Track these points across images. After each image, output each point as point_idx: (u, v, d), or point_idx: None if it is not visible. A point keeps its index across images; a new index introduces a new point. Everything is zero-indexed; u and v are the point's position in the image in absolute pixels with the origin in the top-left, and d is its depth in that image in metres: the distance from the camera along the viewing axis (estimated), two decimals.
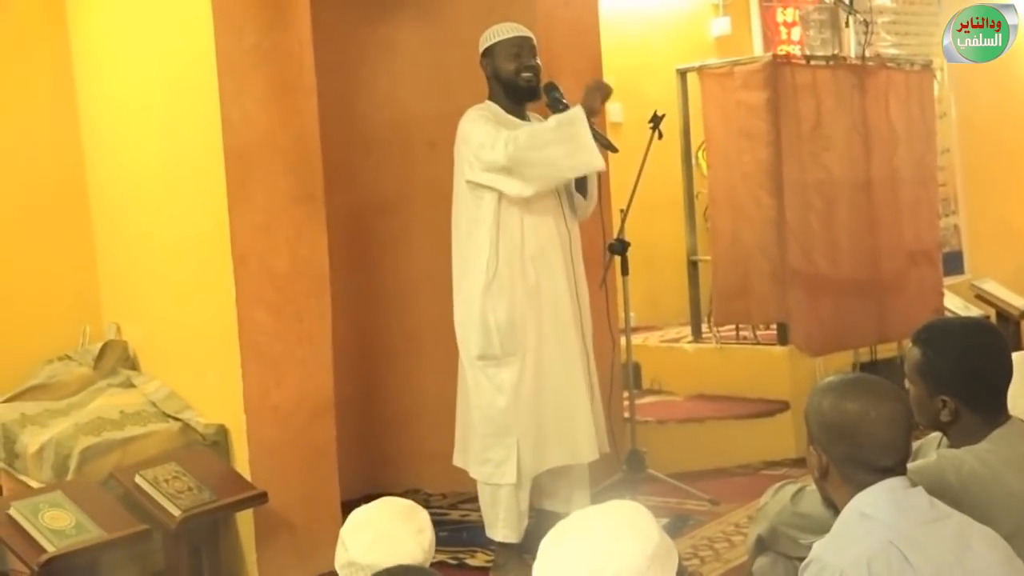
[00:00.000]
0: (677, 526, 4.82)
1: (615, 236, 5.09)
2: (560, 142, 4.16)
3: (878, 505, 2.16)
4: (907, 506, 2.16)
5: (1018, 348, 2.84)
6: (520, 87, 4.36)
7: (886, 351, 6.53)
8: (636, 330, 5.85)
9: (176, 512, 3.91)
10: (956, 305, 7.44)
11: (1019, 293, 8.25)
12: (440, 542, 4.73)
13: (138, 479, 3.98)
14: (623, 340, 5.30)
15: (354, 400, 5.19)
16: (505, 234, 4.26)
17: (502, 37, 4.39)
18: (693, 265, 6.67)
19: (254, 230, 4.28)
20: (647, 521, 1.76)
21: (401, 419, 5.52)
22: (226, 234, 4.22)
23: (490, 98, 4.43)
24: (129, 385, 4.64)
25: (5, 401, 4.54)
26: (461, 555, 4.61)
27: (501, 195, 4.23)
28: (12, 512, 3.70)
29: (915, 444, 2.67)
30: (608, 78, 5.43)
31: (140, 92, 4.63)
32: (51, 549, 3.60)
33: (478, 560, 4.55)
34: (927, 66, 6.85)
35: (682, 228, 6.69)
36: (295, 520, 4.34)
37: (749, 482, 5.43)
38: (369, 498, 2.69)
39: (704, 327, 6.63)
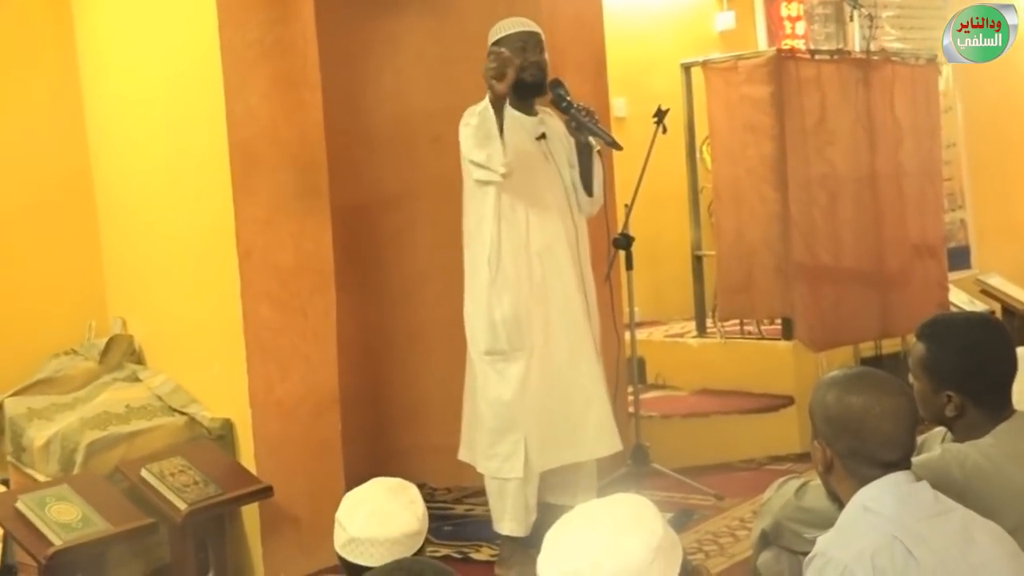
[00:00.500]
0: (682, 521, 4.82)
1: (619, 231, 5.08)
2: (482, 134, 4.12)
3: (882, 499, 2.17)
4: (911, 500, 2.17)
5: (1023, 343, 2.84)
6: (524, 81, 4.36)
7: (890, 346, 6.53)
8: (640, 325, 5.85)
9: (182, 506, 3.92)
10: (961, 300, 7.43)
11: None
12: (445, 536, 4.80)
13: (144, 473, 3.99)
14: (627, 335, 5.31)
15: (359, 394, 5.19)
16: (510, 229, 4.26)
17: (508, 32, 4.38)
18: (697, 260, 6.67)
19: (258, 224, 4.29)
20: (651, 514, 1.76)
21: (406, 413, 5.53)
22: (231, 228, 4.23)
23: None
24: (135, 379, 4.65)
25: (12, 395, 4.56)
26: (466, 549, 4.62)
27: (500, 191, 4.23)
28: (19, 505, 3.72)
29: (919, 439, 2.68)
30: (612, 72, 5.47)
31: (144, 87, 4.64)
32: (58, 542, 3.62)
33: (483, 554, 4.56)
34: (932, 60, 6.84)
35: (686, 223, 6.69)
36: (300, 514, 4.35)
37: (753, 477, 5.43)
38: None
39: (708, 322, 6.63)
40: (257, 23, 4.27)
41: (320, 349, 4.44)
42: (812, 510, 2.75)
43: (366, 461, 5.20)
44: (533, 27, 4.41)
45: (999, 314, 7.74)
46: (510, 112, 4.37)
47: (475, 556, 4.57)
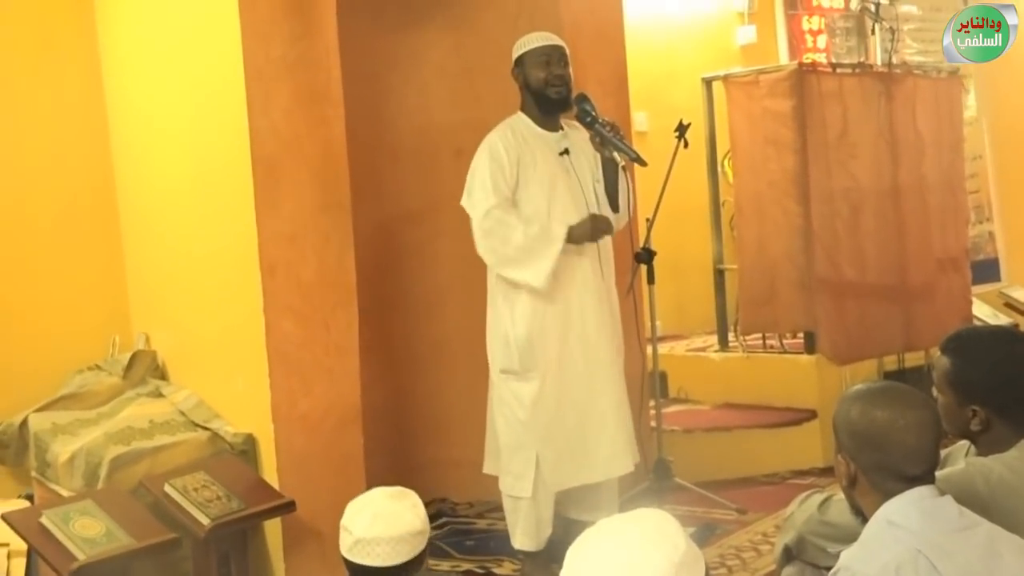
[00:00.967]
0: (704, 535, 4.81)
1: (641, 245, 5.08)
2: (525, 250, 4.23)
3: (906, 513, 2.16)
4: (935, 514, 2.16)
5: None
6: (549, 98, 4.37)
7: (914, 360, 6.50)
8: (662, 339, 5.84)
9: (205, 520, 3.93)
10: (984, 313, 7.39)
11: None
12: (467, 551, 4.80)
13: (167, 488, 4.00)
14: (649, 349, 5.30)
15: (382, 409, 5.19)
16: None
17: (533, 46, 4.39)
18: (719, 274, 6.66)
19: (281, 239, 4.30)
20: (674, 529, 1.75)
21: (428, 428, 5.53)
22: (254, 243, 4.24)
23: (522, 108, 4.45)
24: (158, 395, 4.67)
25: (36, 411, 4.58)
26: (488, 564, 4.61)
27: (521, 206, 4.28)
28: (43, 520, 3.73)
29: (943, 452, 2.66)
30: (633, 86, 5.48)
31: (168, 103, 4.67)
32: (82, 557, 3.63)
33: (505, 569, 4.55)
34: (954, 73, 6.83)
35: (708, 236, 6.68)
36: (323, 528, 4.34)
37: (776, 491, 5.41)
38: None
39: (731, 336, 6.61)
40: (280, 39, 4.29)
41: (343, 363, 4.45)
42: (835, 524, 2.73)
43: (388, 475, 5.18)
44: (558, 41, 4.42)
45: (1023, 327, 7.70)
46: (533, 129, 4.39)
47: (497, 571, 4.56)
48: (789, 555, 2.94)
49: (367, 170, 5.09)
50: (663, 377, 5.96)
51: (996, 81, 8.30)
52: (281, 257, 4.30)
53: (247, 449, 4.34)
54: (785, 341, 6.45)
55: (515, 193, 4.30)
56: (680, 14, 7.65)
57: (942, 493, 2.21)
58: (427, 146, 5.45)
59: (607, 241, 4.46)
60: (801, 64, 6.41)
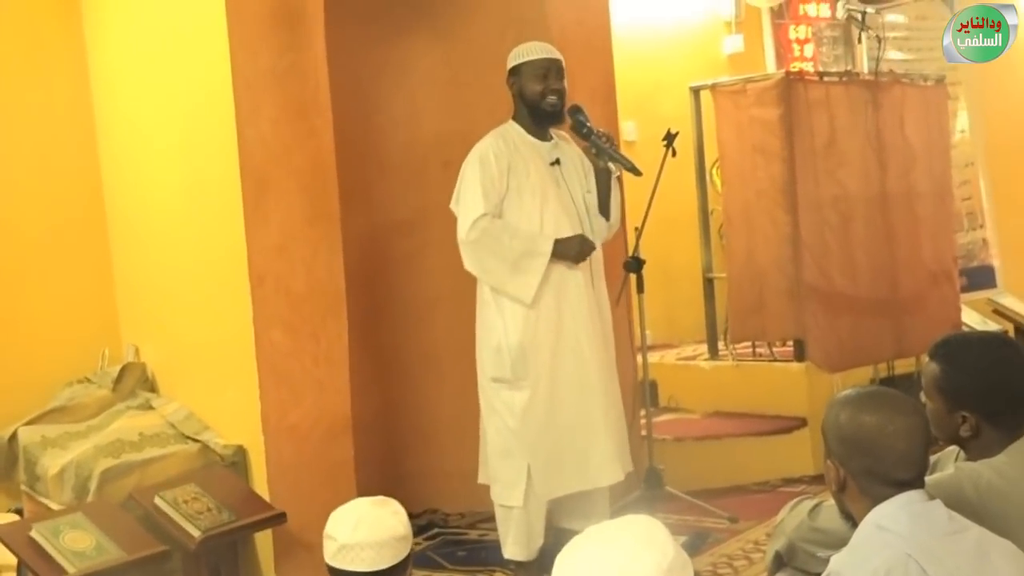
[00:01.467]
0: (696, 544, 4.81)
1: (630, 254, 5.09)
2: (513, 262, 4.24)
3: (896, 518, 2.16)
4: (925, 519, 2.16)
5: None
6: (544, 110, 4.38)
7: (903, 366, 6.50)
8: (652, 348, 5.84)
9: (195, 533, 3.92)
10: (974, 320, 7.40)
11: None
12: (459, 561, 4.79)
13: (157, 500, 4.00)
14: (639, 358, 5.30)
15: (372, 419, 5.19)
16: None
17: (531, 57, 4.39)
18: (709, 282, 6.66)
19: (270, 250, 4.30)
20: (663, 535, 1.75)
21: (419, 438, 5.52)
22: (243, 255, 4.24)
23: (514, 117, 4.46)
24: (148, 407, 4.66)
25: (26, 424, 4.57)
26: (480, 574, 4.60)
27: (511, 217, 4.28)
28: (33, 534, 3.72)
29: (933, 457, 2.67)
30: (622, 96, 5.49)
31: (157, 114, 4.67)
32: (72, 570, 3.62)
33: None
34: (941, 81, 6.86)
35: (697, 245, 6.69)
36: (314, 540, 4.30)
37: (767, 499, 5.41)
38: None
39: (720, 344, 6.62)
40: (269, 50, 4.29)
41: (332, 374, 4.44)
42: (826, 530, 2.73)
43: (379, 486, 5.16)
44: (555, 54, 4.43)
45: (1012, 334, 7.72)
46: (525, 137, 4.40)
47: None
48: (780, 562, 2.94)
49: (356, 181, 5.09)
50: (653, 386, 5.97)
51: (986, 87, 8.32)
52: (270, 268, 4.29)
53: (237, 461, 4.34)
54: (775, 349, 6.46)
55: (503, 201, 4.31)
56: (668, 23, 7.68)
57: (932, 498, 2.21)
58: (416, 157, 5.45)
59: (598, 253, 4.47)
60: (788, 73, 6.43)
